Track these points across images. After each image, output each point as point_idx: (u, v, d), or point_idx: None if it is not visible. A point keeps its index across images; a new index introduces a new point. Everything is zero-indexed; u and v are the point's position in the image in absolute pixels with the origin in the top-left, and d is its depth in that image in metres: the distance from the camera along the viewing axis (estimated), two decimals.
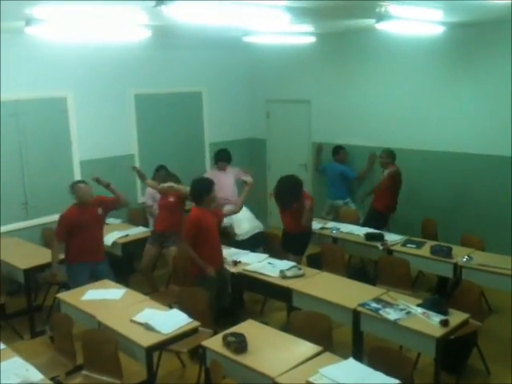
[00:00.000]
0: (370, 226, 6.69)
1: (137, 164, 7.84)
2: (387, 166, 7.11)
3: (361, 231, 6.50)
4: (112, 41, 6.43)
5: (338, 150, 7.98)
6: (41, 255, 6.09)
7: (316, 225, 6.80)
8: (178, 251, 5.95)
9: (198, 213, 5.24)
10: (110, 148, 7.64)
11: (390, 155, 7.13)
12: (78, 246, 5.44)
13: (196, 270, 5.27)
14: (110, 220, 7.18)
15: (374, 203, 7.23)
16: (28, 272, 5.76)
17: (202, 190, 5.28)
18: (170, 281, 6.23)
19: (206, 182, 5.37)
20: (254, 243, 6.38)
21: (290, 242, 6.10)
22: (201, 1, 3.67)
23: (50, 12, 4.43)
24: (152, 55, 7.90)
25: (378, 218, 7.00)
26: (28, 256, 6.04)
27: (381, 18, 5.06)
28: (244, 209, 6.18)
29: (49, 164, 7.12)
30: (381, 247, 5.97)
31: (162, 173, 7.00)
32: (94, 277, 5.45)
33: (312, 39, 7.38)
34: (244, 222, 6.55)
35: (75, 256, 5.46)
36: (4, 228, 6.73)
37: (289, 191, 5.87)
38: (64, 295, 5.12)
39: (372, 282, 5.49)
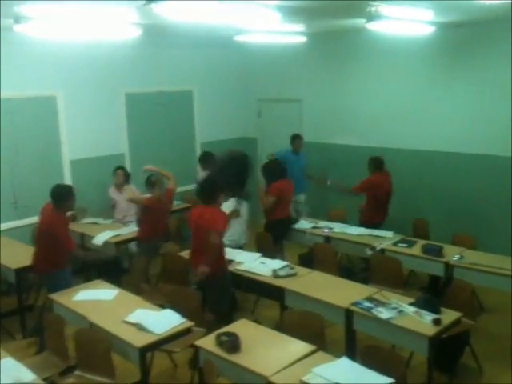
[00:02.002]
0: None
1: (127, 163, 7.82)
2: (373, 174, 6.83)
3: (353, 231, 6.51)
4: (102, 39, 6.40)
5: (294, 139, 7.82)
6: (31, 255, 6.05)
7: (307, 224, 6.83)
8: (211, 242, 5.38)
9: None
10: (101, 147, 7.60)
11: (374, 161, 6.83)
12: None
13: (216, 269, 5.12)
14: (99, 220, 7.17)
15: (360, 219, 6.97)
16: (19, 272, 5.71)
17: (216, 188, 5.27)
18: (159, 279, 6.21)
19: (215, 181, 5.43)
20: None
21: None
22: None
23: (39, 10, 4.40)
24: (143, 54, 7.87)
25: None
26: (19, 256, 5.97)
27: (371, 17, 5.08)
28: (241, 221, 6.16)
29: (39, 163, 7.08)
30: (369, 252, 5.95)
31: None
32: None
33: (303, 39, 7.39)
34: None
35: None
36: None
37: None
38: (56, 295, 5.08)
39: (360, 280, 5.52)
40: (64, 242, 5.16)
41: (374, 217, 6.80)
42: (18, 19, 4.73)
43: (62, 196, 5.24)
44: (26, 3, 4.16)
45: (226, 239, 5.68)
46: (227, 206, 5.89)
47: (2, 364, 3.80)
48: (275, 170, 6.62)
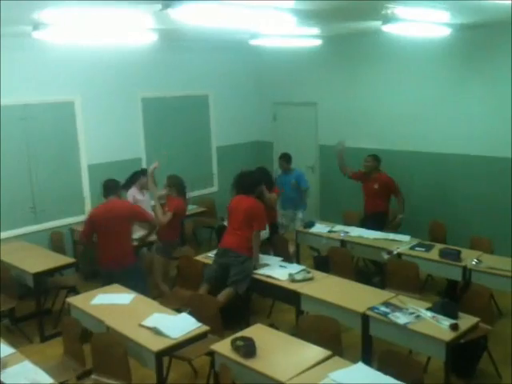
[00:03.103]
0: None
1: (144, 167, 7.84)
2: (374, 171, 7.07)
3: (370, 234, 6.48)
4: (119, 45, 6.45)
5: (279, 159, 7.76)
6: (50, 259, 6.13)
7: (323, 228, 6.81)
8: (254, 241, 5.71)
9: None
10: (118, 152, 7.66)
11: (375, 159, 7.10)
12: None
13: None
14: None
15: (365, 208, 7.21)
16: (37, 276, 5.77)
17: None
18: (175, 283, 6.22)
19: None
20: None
21: None
22: (207, 4, 3.67)
23: (56, 16, 4.45)
24: (159, 59, 7.92)
25: (374, 220, 6.94)
26: (37, 260, 6.05)
27: (387, 20, 5.06)
28: None
29: (57, 168, 7.15)
30: (385, 256, 5.92)
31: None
32: None
33: (318, 42, 7.38)
34: None
35: None
36: (12, 232, 6.77)
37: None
38: (74, 299, 5.13)
39: (375, 285, 5.50)
40: (149, 218, 5.75)
41: (378, 207, 7.06)
42: (36, 26, 4.80)
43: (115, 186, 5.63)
44: (44, 8, 4.20)
45: None
46: None
47: (19, 367, 3.84)
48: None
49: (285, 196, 7.32)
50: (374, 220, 6.94)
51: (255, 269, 5.52)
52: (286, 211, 7.56)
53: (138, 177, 6.94)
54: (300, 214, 7.48)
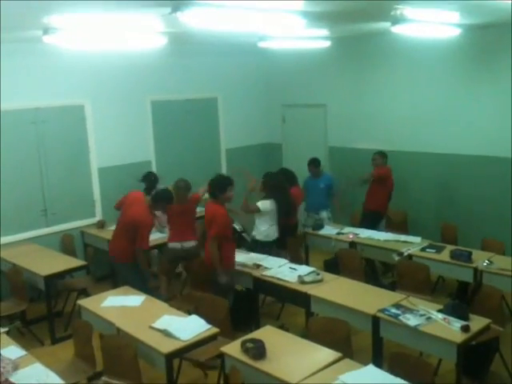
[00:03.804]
0: (364, 227, 6.84)
1: (154, 170, 7.88)
2: (379, 166, 7.15)
3: (380, 236, 6.46)
4: (128, 48, 6.48)
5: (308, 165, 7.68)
6: (60, 262, 6.16)
7: (332, 230, 6.81)
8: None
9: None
10: (128, 155, 7.69)
11: (383, 156, 7.18)
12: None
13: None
14: None
15: (365, 204, 7.28)
16: (48, 279, 5.81)
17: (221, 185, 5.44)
18: (184, 286, 6.24)
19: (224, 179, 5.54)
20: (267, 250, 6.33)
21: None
22: (216, 7, 3.68)
23: (67, 21, 4.48)
24: (168, 62, 7.94)
25: (371, 217, 6.99)
26: (48, 263, 6.09)
27: (396, 21, 5.04)
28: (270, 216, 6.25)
29: (67, 171, 7.19)
30: (396, 258, 5.90)
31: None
32: None
33: (327, 43, 7.37)
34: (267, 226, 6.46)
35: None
36: (24, 235, 6.81)
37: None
38: (85, 302, 5.16)
39: (385, 286, 5.49)
40: (141, 243, 5.57)
41: (377, 203, 7.10)
42: (46, 30, 4.83)
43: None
44: (54, 13, 4.23)
45: (260, 235, 6.17)
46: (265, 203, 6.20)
47: (30, 369, 3.87)
48: (292, 176, 6.83)
49: (312, 200, 7.35)
50: (369, 218, 6.99)
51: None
52: (310, 213, 7.51)
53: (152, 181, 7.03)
54: (324, 214, 7.44)
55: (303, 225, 7.23)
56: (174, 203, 5.85)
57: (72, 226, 7.17)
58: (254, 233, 6.35)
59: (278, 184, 6.27)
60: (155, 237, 6.46)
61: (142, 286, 5.39)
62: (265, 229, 6.21)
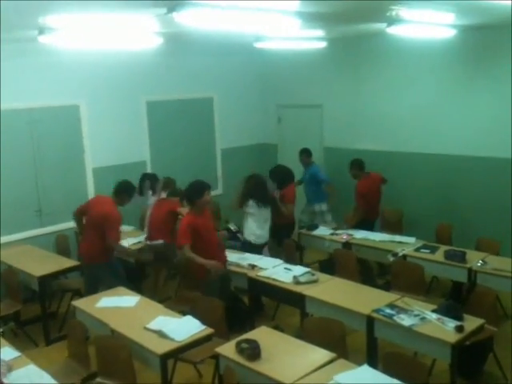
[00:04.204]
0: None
1: (149, 170, 7.88)
2: (359, 176, 7.03)
3: (375, 236, 6.48)
4: (124, 48, 6.47)
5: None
6: (55, 262, 6.15)
7: (326, 231, 6.81)
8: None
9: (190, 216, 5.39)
10: (123, 155, 7.68)
11: (358, 166, 7.05)
12: None
13: (201, 273, 5.30)
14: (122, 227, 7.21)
15: (354, 210, 7.14)
16: (42, 279, 5.79)
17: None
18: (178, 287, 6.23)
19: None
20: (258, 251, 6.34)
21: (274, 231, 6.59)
22: (211, 8, 3.68)
23: (62, 21, 4.47)
24: (163, 62, 7.93)
25: (363, 224, 6.88)
26: (42, 263, 6.07)
27: (392, 21, 5.05)
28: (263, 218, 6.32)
29: (62, 171, 7.17)
30: (391, 258, 5.91)
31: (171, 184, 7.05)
32: None
33: (323, 44, 7.38)
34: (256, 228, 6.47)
35: None
36: (18, 235, 6.79)
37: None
38: (79, 302, 5.15)
39: (378, 286, 5.50)
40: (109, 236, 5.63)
41: (366, 210, 6.95)
42: (42, 30, 4.81)
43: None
44: (49, 13, 4.22)
45: (250, 236, 6.26)
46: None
47: (24, 371, 3.85)
48: (288, 174, 6.86)
49: (305, 191, 7.69)
50: (361, 225, 6.92)
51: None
52: (305, 206, 7.64)
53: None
54: (317, 207, 7.52)
55: (299, 219, 7.35)
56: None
57: (66, 226, 7.14)
58: (244, 234, 6.37)
59: (259, 184, 6.32)
60: None
61: (117, 281, 5.45)
62: (255, 230, 6.26)
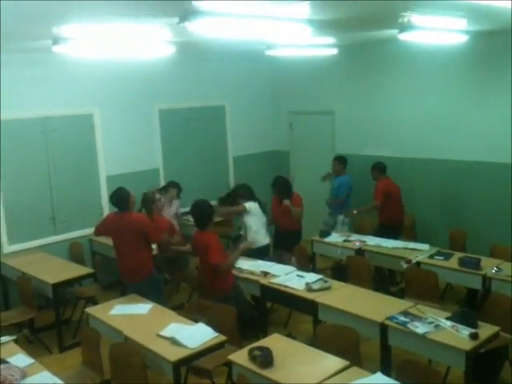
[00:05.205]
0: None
1: (161, 178, 7.92)
2: (377, 179, 7.12)
3: (388, 243, 6.44)
4: (137, 57, 6.52)
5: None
6: (69, 270, 6.19)
7: (339, 237, 6.79)
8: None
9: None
10: (136, 163, 7.72)
11: (379, 169, 7.14)
12: None
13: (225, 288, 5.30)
14: None
15: (379, 218, 7.22)
16: (56, 287, 5.83)
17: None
18: (191, 295, 6.25)
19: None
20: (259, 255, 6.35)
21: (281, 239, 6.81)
22: (223, 16, 3.70)
23: (76, 31, 4.52)
24: (175, 70, 7.98)
25: (387, 231, 6.88)
26: (56, 271, 6.12)
27: (404, 28, 5.03)
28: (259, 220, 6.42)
29: (76, 179, 7.23)
30: (404, 265, 5.88)
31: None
32: None
33: (334, 51, 7.39)
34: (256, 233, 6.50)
35: None
36: (32, 243, 6.85)
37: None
38: (92, 310, 5.18)
39: (391, 293, 5.46)
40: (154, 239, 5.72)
41: (390, 216, 7.05)
42: (56, 40, 4.87)
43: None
44: (64, 23, 4.27)
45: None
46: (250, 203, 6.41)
47: (38, 378, 3.88)
48: (288, 183, 6.99)
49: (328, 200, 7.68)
50: (383, 231, 6.94)
51: None
52: (329, 213, 7.70)
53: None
54: (340, 218, 7.51)
55: (323, 223, 7.52)
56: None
57: (80, 233, 7.20)
58: (249, 238, 6.38)
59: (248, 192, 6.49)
60: None
61: (159, 296, 5.44)
62: (251, 235, 6.33)
